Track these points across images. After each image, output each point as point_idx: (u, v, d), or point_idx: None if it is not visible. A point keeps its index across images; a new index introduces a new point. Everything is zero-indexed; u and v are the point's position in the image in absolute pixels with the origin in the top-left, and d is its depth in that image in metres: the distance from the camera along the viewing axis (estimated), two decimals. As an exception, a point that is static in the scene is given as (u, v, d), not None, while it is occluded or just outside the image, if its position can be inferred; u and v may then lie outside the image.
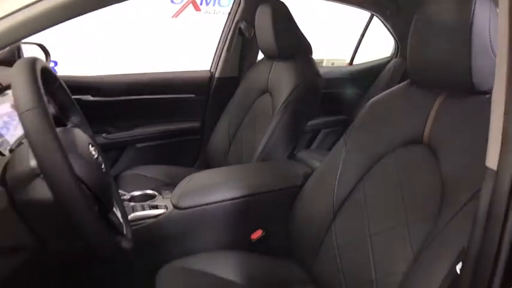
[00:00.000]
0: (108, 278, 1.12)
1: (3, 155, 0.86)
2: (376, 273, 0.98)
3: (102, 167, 0.78)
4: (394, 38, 2.45)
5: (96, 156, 0.78)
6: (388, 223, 1.00)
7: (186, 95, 2.06)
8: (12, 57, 1.73)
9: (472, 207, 0.73)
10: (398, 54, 2.45)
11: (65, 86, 0.87)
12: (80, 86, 1.80)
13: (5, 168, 0.72)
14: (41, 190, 0.68)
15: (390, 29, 2.39)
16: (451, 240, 0.82)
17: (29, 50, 1.83)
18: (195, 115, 2.09)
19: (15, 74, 0.65)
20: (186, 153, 2.10)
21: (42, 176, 0.68)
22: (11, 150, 0.82)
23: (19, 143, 0.84)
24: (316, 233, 1.15)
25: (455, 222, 0.83)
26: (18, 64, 0.68)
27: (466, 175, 0.86)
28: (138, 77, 2.00)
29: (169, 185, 1.67)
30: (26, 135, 0.61)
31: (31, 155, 0.69)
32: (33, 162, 0.69)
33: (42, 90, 0.64)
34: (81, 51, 3.58)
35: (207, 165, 1.97)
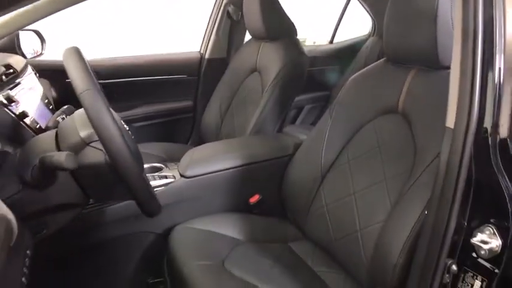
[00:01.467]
0: (126, 238, 1.27)
1: (35, 132, 0.99)
2: (360, 223, 1.15)
3: (133, 137, 0.92)
4: (371, 17, 2.59)
5: (128, 128, 0.91)
6: (369, 181, 1.17)
7: (177, 76, 2.16)
8: (12, 44, 1.81)
9: (438, 163, 0.88)
10: (375, 32, 2.60)
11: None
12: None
13: (56, 142, 0.85)
14: (90, 156, 0.81)
15: (367, 9, 2.53)
16: (421, 190, 0.99)
17: (25, 37, 1.90)
18: (187, 95, 2.20)
19: (69, 61, 0.77)
20: (180, 131, 2.22)
21: (91, 144, 0.81)
22: (46, 128, 0.95)
23: (55, 121, 0.96)
24: (306, 195, 1.31)
25: (424, 177, 1.00)
26: (68, 53, 0.79)
27: (433, 137, 1.02)
28: (132, 59, 2.09)
29: (167, 160, 1.80)
30: (86, 111, 0.74)
31: (79, 127, 0.82)
32: (82, 133, 0.82)
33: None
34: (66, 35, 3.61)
35: (200, 141, 2.10)
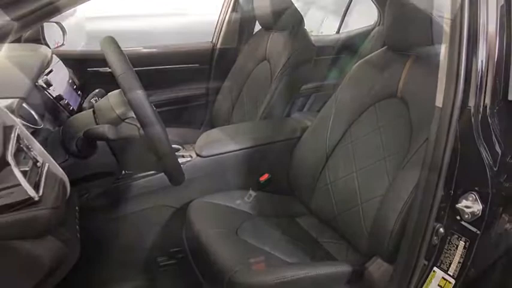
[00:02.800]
0: (148, 212, 1.40)
1: (69, 113, 1.11)
2: (361, 198, 1.26)
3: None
4: (377, 8, 2.66)
5: (154, 108, 1.03)
6: (370, 160, 1.28)
7: (190, 65, 2.27)
8: (37, 36, 1.93)
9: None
10: (381, 22, 2.67)
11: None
12: (97, 58, 2.00)
13: (94, 119, 0.98)
14: (125, 130, 0.93)
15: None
16: (415, 165, 1.09)
17: (48, 28, 2.01)
18: (200, 83, 2.31)
19: (108, 49, 0.89)
20: (193, 117, 2.33)
21: (126, 120, 0.93)
22: (82, 108, 1.07)
23: (90, 102, 1.09)
24: (312, 174, 1.42)
25: (418, 154, 1.11)
26: (106, 41, 0.91)
27: (427, 119, 1.11)
28: (147, 50, 2.21)
29: (182, 144, 1.92)
30: (123, 90, 0.86)
31: (115, 106, 0.94)
32: (118, 111, 0.94)
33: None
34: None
35: (213, 127, 2.20)
